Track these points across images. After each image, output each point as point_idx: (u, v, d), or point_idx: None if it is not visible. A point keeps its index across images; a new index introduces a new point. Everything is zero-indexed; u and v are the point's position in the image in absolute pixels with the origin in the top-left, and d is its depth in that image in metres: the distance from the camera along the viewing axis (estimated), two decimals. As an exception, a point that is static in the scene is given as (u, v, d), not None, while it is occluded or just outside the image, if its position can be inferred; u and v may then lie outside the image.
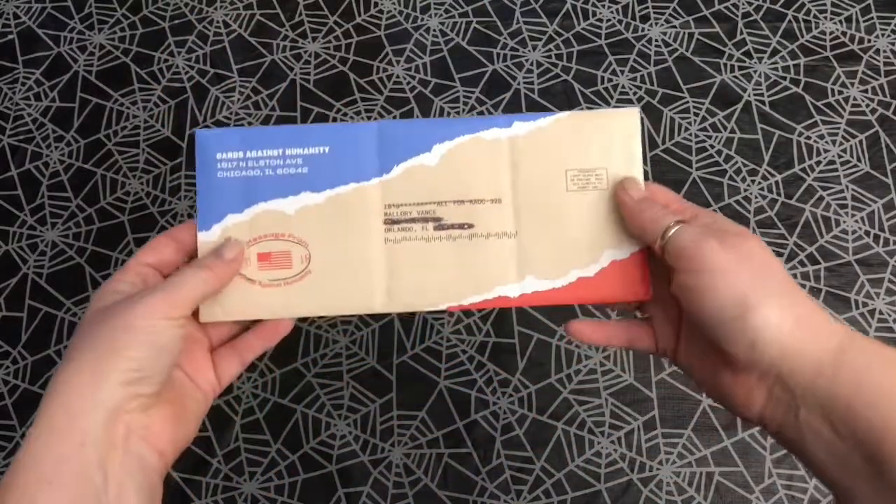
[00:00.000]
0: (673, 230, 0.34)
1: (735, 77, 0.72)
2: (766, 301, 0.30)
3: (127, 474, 0.31)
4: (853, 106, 0.70)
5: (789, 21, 0.74)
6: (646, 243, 0.36)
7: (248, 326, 0.40)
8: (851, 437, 0.29)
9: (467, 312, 0.64)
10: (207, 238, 0.38)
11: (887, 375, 0.29)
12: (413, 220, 0.38)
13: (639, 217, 0.36)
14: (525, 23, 0.75)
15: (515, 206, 0.38)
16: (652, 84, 0.72)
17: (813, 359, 0.30)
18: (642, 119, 0.70)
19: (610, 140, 0.37)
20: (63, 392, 0.31)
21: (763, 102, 0.71)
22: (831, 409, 0.29)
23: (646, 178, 0.68)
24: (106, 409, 0.30)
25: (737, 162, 0.69)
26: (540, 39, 0.74)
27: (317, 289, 0.38)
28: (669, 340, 0.37)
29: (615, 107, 0.71)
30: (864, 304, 0.63)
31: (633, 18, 0.75)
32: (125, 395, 0.31)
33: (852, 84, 0.71)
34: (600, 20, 0.75)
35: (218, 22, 0.76)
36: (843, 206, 0.67)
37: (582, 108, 0.71)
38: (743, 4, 0.75)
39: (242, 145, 0.38)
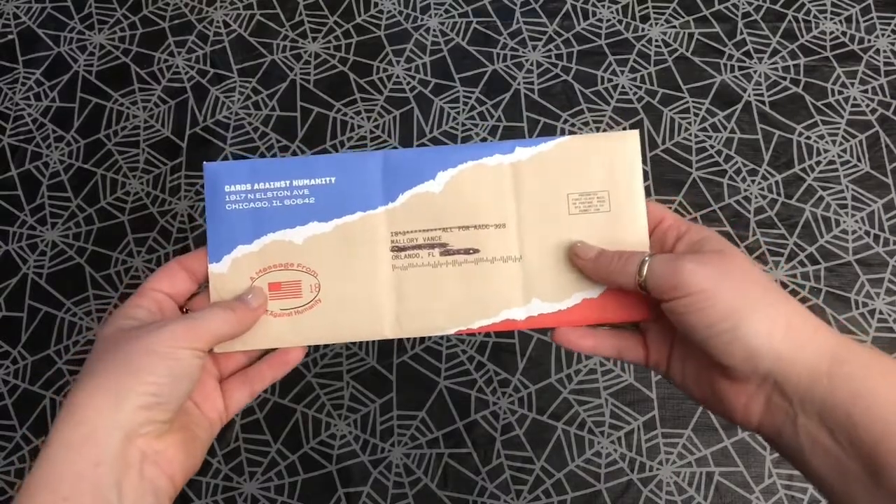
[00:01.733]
0: (645, 269, 0.34)
1: (735, 77, 0.72)
2: (754, 311, 0.31)
3: (140, 497, 0.31)
4: (853, 106, 0.70)
5: (789, 21, 0.74)
6: (628, 290, 0.36)
7: (258, 357, 0.41)
8: (849, 445, 0.29)
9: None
10: (218, 269, 0.39)
11: (884, 384, 0.29)
12: (419, 247, 0.39)
13: (605, 277, 0.36)
14: (525, 23, 0.75)
15: (520, 231, 0.38)
16: (652, 84, 0.72)
17: (808, 365, 0.30)
18: (642, 120, 0.70)
19: (610, 163, 0.38)
20: (80, 411, 0.31)
21: (763, 102, 0.71)
22: (829, 416, 0.29)
23: (646, 179, 0.69)
24: (123, 430, 0.31)
25: (737, 162, 0.69)
26: (540, 39, 0.74)
27: (327, 317, 0.38)
28: (662, 354, 0.37)
29: (615, 107, 0.71)
30: (864, 304, 0.63)
31: (633, 18, 0.75)
32: (142, 418, 0.31)
33: (852, 84, 0.71)
34: (600, 20, 0.75)
35: (218, 22, 0.76)
36: (843, 206, 0.67)
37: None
38: (743, 4, 0.75)
39: (250, 178, 0.39)
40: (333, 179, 0.39)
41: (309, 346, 0.40)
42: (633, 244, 0.38)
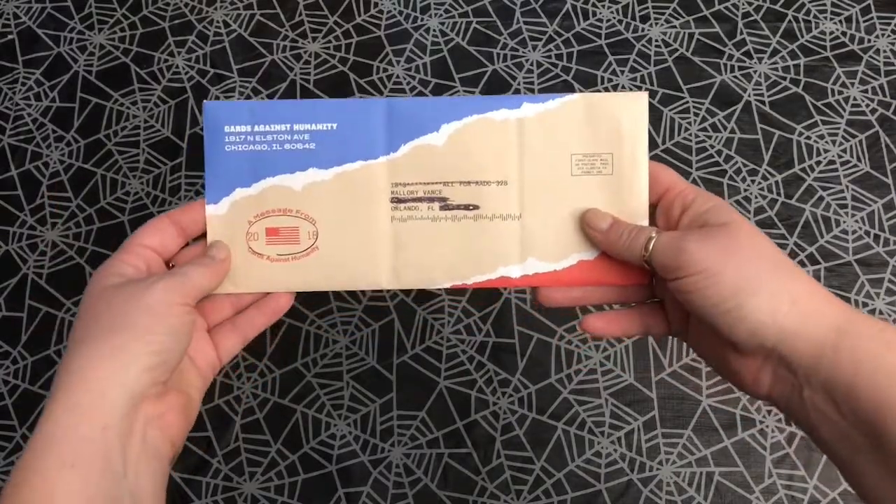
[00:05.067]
0: (651, 246, 0.34)
1: (735, 77, 0.72)
2: (759, 289, 0.31)
3: (143, 461, 0.31)
4: (853, 106, 0.70)
5: (789, 21, 0.74)
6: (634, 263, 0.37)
7: (246, 306, 0.40)
8: (853, 416, 0.29)
9: (467, 312, 0.64)
10: (216, 211, 0.38)
11: (887, 356, 0.29)
12: (419, 200, 0.38)
13: (614, 249, 0.36)
14: (525, 23, 0.75)
15: (521, 189, 0.38)
16: (652, 84, 0.72)
17: (812, 340, 0.30)
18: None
19: (617, 125, 0.38)
20: (84, 372, 0.30)
21: (763, 102, 0.71)
22: (833, 388, 0.30)
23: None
24: (130, 394, 0.30)
25: (737, 162, 0.69)
26: (540, 39, 0.74)
27: (324, 265, 0.38)
28: (681, 322, 0.37)
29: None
30: (864, 304, 0.63)
31: (633, 18, 0.75)
32: (147, 380, 0.31)
33: (852, 84, 0.71)
34: (600, 20, 0.75)
35: (218, 22, 0.76)
36: (843, 206, 0.67)
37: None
38: (743, 4, 0.75)
39: (251, 119, 0.38)
40: (335, 126, 0.38)
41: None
42: (633, 208, 0.38)
